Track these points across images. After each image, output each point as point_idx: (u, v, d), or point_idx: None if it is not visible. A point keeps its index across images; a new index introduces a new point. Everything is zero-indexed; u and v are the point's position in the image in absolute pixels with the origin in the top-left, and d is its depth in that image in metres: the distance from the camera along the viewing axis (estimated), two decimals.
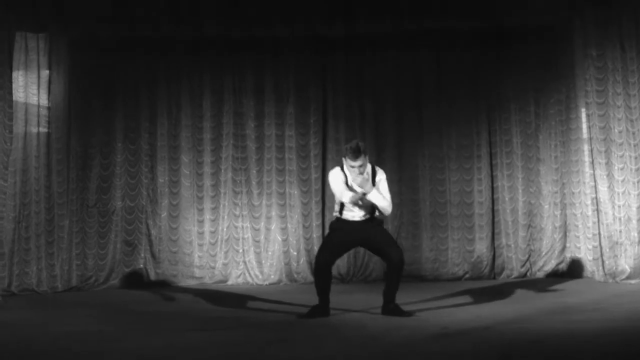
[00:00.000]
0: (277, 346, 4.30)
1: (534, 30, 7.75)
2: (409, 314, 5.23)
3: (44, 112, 7.35)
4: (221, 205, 7.82)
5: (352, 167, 5.20)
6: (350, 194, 5.24)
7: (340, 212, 5.36)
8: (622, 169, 6.99)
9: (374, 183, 5.29)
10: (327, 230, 7.87)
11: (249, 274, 7.75)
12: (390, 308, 5.26)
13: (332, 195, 5.51)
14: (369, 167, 5.33)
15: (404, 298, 6.14)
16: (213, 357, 4.05)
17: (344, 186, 5.28)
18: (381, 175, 5.37)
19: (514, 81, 7.89)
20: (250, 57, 7.89)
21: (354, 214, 5.32)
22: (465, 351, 4.02)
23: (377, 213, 5.36)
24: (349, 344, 4.29)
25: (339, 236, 5.35)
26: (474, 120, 7.94)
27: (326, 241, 5.51)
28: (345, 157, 5.25)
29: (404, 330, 4.67)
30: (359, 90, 7.96)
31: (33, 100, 7.30)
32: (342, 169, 5.35)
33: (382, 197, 5.25)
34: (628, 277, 6.87)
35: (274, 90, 7.91)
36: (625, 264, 6.91)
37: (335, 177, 5.34)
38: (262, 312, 5.68)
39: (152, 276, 7.64)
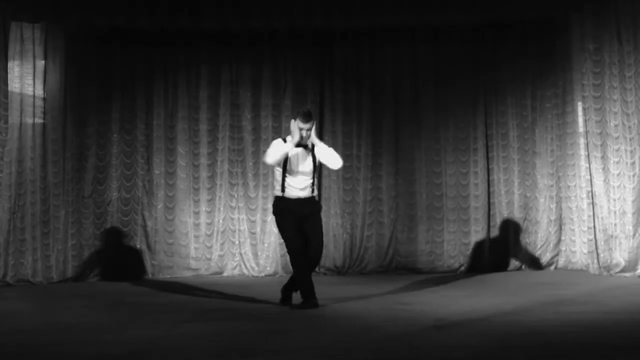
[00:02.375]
0: (272, 337, 4.31)
1: (531, 24, 7.75)
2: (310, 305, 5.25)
3: (39, 102, 7.32)
4: (217, 197, 7.82)
5: (301, 129, 5.33)
6: (288, 145, 5.32)
7: (282, 189, 5.40)
8: (617, 162, 7.01)
9: (314, 157, 5.43)
10: (324, 223, 7.90)
11: (245, 265, 7.75)
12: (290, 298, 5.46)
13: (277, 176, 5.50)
14: (310, 141, 5.41)
15: (400, 290, 6.16)
16: (208, 348, 4.06)
17: (280, 147, 5.35)
18: (320, 144, 5.46)
19: (511, 74, 7.90)
20: (248, 48, 7.86)
21: (298, 191, 5.37)
22: (460, 343, 4.04)
23: (315, 192, 5.47)
24: (344, 335, 4.30)
25: (291, 218, 5.36)
26: (470, 114, 7.95)
27: (286, 227, 5.40)
28: (295, 119, 5.39)
29: (399, 322, 4.69)
30: (356, 83, 7.95)
31: (28, 90, 7.27)
32: (283, 140, 5.45)
33: (328, 148, 5.45)
34: (622, 270, 6.90)
35: (271, 82, 7.89)
36: (620, 257, 6.94)
37: (273, 145, 5.43)
38: (257, 304, 5.69)
39: (148, 267, 7.64)
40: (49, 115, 7.35)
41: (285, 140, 5.45)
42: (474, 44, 7.89)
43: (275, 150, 5.36)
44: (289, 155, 5.38)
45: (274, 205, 5.51)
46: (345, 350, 3.92)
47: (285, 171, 5.38)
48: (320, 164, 5.72)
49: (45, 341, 4.31)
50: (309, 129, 5.38)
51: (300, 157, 5.42)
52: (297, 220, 5.38)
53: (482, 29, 7.79)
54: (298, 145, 5.39)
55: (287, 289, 5.56)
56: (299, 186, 5.39)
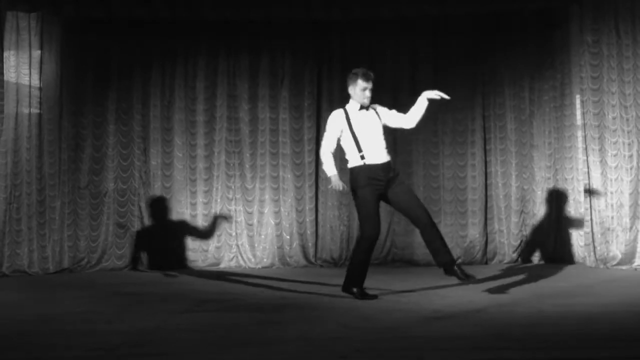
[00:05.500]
0: (268, 328, 4.31)
1: (530, 16, 7.72)
2: (469, 277, 4.96)
3: (35, 92, 7.29)
4: (214, 189, 7.80)
5: (365, 88, 5.10)
6: (330, 173, 5.13)
7: (362, 154, 5.05)
8: (615, 155, 7.00)
9: (379, 117, 5.19)
10: (320, 214, 7.94)
11: (242, 257, 7.75)
12: (453, 270, 4.95)
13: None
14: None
15: (397, 282, 6.16)
16: (204, 338, 4.06)
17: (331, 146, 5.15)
18: (381, 108, 5.25)
19: (510, 67, 7.88)
20: (245, 39, 7.83)
21: (378, 155, 5.06)
22: (457, 334, 4.03)
23: (389, 157, 5.16)
24: (340, 326, 4.30)
25: (375, 196, 5.00)
26: (468, 106, 7.93)
27: (363, 207, 4.99)
28: (354, 80, 5.14)
29: (396, 313, 4.69)
30: None
31: (24, 80, 7.24)
32: (345, 110, 5.19)
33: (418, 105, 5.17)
34: (619, 263, 6.91)
35: (268, 74, 7.87)
36: (616, 250, 6.95)
37: (332, 119, 5.18)
38: (254, 295, 5.68)
39: (144, 259, 7.62)
40: (45, 106, 7.32)
41: (345, 110, 5.16)
42: (473, 36, 7.87)
43: (329, 140, 5.12)
44: (355, 120, 5.11)
45: (356, 179, 5.03)
46: (341, 341, 3.92)
47: (355, 137, 5.07)
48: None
49: (40, 331, 4.30)
50: (371, 88, 5.15)
51: (368, 119, 5.14)
52: (378, 192, 5.01)
53: (481, 20, 7.76)
54: (361, 107, 5.16)
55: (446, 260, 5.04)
56: (377, 150, 5.09)
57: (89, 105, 7.60)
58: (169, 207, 7.73)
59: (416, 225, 5.18)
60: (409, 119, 5.30)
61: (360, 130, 5.15)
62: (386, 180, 5.11)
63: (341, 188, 5.17)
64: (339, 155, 5.50)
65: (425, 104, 5.27)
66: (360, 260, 5.17)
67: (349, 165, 5.20)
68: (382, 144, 5.18)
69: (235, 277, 6.83)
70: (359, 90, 5.17)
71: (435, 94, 5.23)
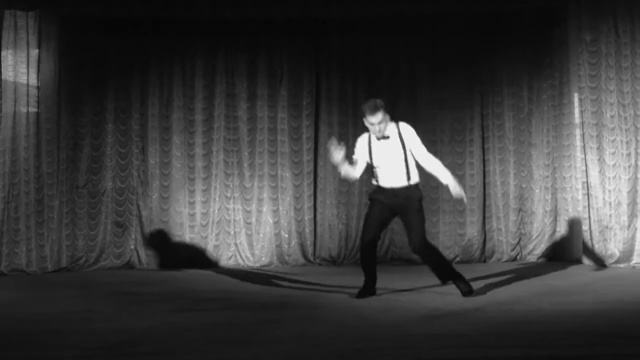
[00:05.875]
0: (266, 327, 4.31)
1: (529, 15, 7.72)
2: (470, 293, 5.16)
3: (33, 91, 7.28)
4: (212, 187, 7.80)
5: (372, 124, 5.05)
6: (345, 168, 5.21)
7: (375, 178, 5.22)
8: (613, 153, 7.01)
9: (403, 143, 5.14)
10: (319, 213, 7.95)
11: (240, 256, 7.75)
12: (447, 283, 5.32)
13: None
14: (392, 126, 5.16)
15: (395, 280, 6.17)
16: (204, 337, 4.06)
17: (352, 158, 5.24)
18: (408, 130, 5.15)
19: (508, 66, 7.88)
20: (243, 38, 7.82)
21: (392, 181, 5.15)
22: (456, 332, 4.04)
23: (411, 180, 5.16)
24: (338, 325, 4.30)
25: (378, 208, 5.20)
26: (467, 105, 7.93)
27: (366, 217, 5.33)
28: (364, 116, 5.13)
29: (394, 312, 4.69)
30: (353, 73, 7.92)
31: (22, 79, 7.23)
32: (369, 136, 5.21)
33: (440, 166, 5.16)
34: (617, 261, 6.92)
35: (267, 72, 7.86)
36: (614, 248, 6.96)
37: (356, 147, 5.27)
38: (252, 294, 5.68)
39: (143, 258, 7.62)
40: (43, 105, 7.31)
41: (369, 137, 5.17)
42: (471, 35, 7.87)
43: (345, 171, 5.22)
44: (374, 149, 5.15)
45: (370, 191, 5.38)
46: (339, 339, 3.92)
47: (372, 163, 5.19)
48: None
49: (38, 330, 4.30)
50: (381, 122, 5.04)
51: (387, 149, 5.13)
52: (386, 208, 5.18)
53: (479, 19, 7.76)
54: (380, 138, 5.14)
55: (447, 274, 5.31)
56: (390, 177, 5.15)
57: (87, 104, 7.60)
58: (167, 205, 7.72)
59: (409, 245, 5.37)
60: (426, 163, 5.21)
61: (377, 158, 5.20)
62: (394, 204, 5.21)
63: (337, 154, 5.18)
64: None
65: (444, 181, 5.21)
66: (360, 258, 5.49)
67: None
68: (397, 171, 5.16)
69: (234, 276, 6.83)
70: (368, 125, 5.16)
71: (460, 196, 5.21)
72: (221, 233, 7.78)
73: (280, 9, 7.42)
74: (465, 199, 5.53)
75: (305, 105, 7.88)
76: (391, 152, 5.15)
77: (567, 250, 7.59)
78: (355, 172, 5.32)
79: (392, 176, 5.18)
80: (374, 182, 5.30)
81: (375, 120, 5.05)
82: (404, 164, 5.16)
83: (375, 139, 5.18)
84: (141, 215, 7.65)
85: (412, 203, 5.20)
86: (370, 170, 5.30)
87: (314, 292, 5.65)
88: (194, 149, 7.78)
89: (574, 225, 7.47)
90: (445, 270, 5.35)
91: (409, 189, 5.19)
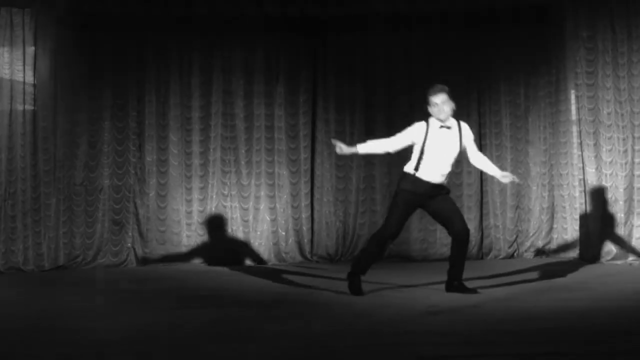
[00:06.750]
0: (264, 323, 4.31)
1: (525, 11, 7.71)
2: (473, 291, 5.19)
3: (29, 89, 7.26)
4: (210, 185, 7.78)
5: (436, 104, 5.07)
6: (366, 145, 5.24)
7: (417, 167, 5.11)
8: (610, 150, 7.02)
9: (460, 139, 5.15)
10: (316, 211, 7.93)
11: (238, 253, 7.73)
12: (454, 285, 5.24)
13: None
14: (453, 120, 5.17)
15: (393, 277, 6.17)
16: (200, 334, 4.06)
17: (398, 140, 5.20)
18: (467, 129, 5.23)
19: (505, 63, 7.87)
20: (241, 36, 7.81)
21: (433, 175, 5.09)
22: (453, 329, 4.04)
23: (448, 180, 5.24)
24: (337, 322, 4.30)
25: (408, 203, 5.12)
26: (464, 102, 7.91)
27: (393, 209, 5.15)
28: (426, 101, 5.13)
29: (390, 309, 4.69)
30: (350, 71, 7.90)
31: (18, 77, 7.20)
32: (427, 124, 5.13)
33: (489, 162, 5.37)
34: (614, 258, 6.93)
35: (264, 70, 7.84)
36: (611, 245, 6.97)
37: (411, 128, 5.18)
38: (250, 291, 5.68)
39: (140, 255, 7.61)
40: (40, 102, 7.29)
41: (427, 124, 5.11)
42: (467, 32, 7.85)
43: (366, 148, 5.27)
44: (431, 138, 5.07)
45: (401, 182, 5.19)
46: (337, 336, 3.92)
47: (423, 152, 5.09)
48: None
49: (36, 328, 4.29)
50: (444, 103, 5.05)
51: (445, 140, 5.10)
52: (414, 201, 5.14)
53: (476, 16, 7.75)
54: (442, 125, 5.11)
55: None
56: (435, 171, 5.09)
57: (84, 102, 7.57)
58: (165, 203, 7.71)
59: (452, 237, 5.30)
60: (477, 161, 5.38)
61: (430, 149, 5.13)
62: (427, 196, 5.19)
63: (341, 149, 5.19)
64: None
65: (492, 174, 5.41)
66: (370, 251, 5.33)
67: (404, 167, 5.27)
68: (444, 168, 5.17)
69: (231, 274, 6.83)
70: (432, 106, 5.14)
71: (510, 179, 5.35)
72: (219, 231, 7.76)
73: (277, 7, 7.41)
74: (517, 180, 5.60)
75: (302, 103, 7.87)
76: (447, 143, 5.14)
77: (564, 247, 7.60)
78: (386, 145, 5.22)
79: (437, 169, 5.12)
80: (410, 172, 5.13)
81: (439, 100, 5.09)
82: (452, 160, 5.18)
83: (434, 128, 5.13)
84: (138, 212, 7.63)
85: (445, 194, 5.25)
86: (414, 156, 5.13)
87: (312, 289, 5.65)
88: (191, 146, 7.77)
89: (571, 222, 7.49)
90: (460, 274, 5.30)
91: (443, 187, 5.24)
